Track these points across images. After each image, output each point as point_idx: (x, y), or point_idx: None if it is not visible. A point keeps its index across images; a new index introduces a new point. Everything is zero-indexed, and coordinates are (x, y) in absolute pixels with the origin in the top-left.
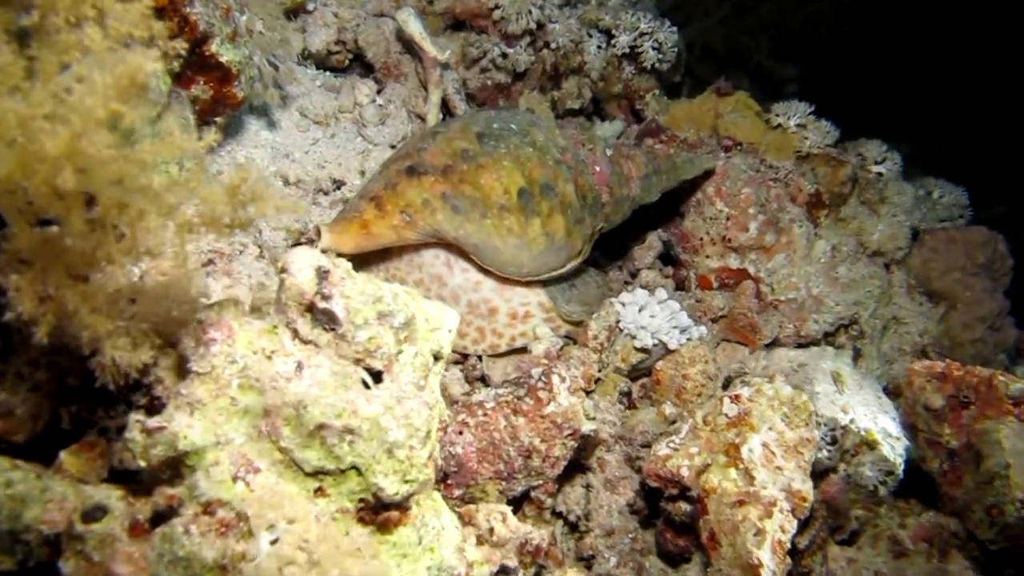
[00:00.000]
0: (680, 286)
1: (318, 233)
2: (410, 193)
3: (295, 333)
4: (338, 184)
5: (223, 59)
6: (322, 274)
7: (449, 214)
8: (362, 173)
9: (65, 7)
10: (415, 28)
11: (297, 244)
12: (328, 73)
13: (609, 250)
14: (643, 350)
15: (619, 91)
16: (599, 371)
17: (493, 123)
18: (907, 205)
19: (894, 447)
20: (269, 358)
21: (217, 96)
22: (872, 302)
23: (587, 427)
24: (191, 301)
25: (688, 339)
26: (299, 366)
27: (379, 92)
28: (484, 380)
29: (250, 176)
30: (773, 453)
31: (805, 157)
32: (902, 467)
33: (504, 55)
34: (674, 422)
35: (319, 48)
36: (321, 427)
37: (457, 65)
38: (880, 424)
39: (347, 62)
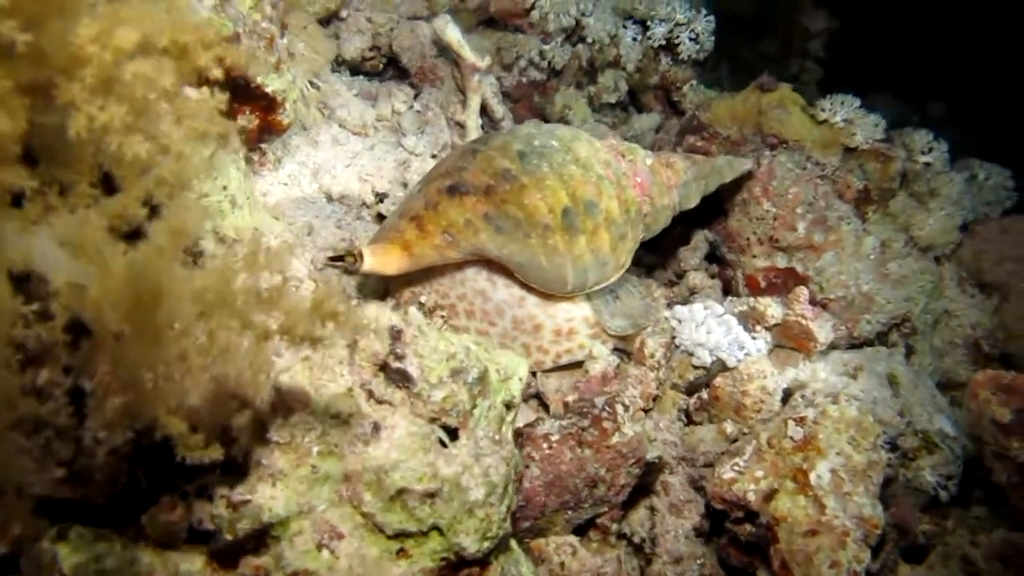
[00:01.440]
0: (727, 286)
1: (360, 256)
2: (452, 213)
3: (370, 394)
4: (381, 197)
5: (268, 89)
6: (395, 334)
7: (492, 234)
8: (404, 185)
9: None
10: (453, 35)
11: (338, 260)
12: (363, 77)
13: (653, 248)
14: (701, 367)
15: (655, 82)
16: (656, 388)
17: (534, 140)
18: (956, 196)
19: (952, 449)
20: (346, 422)
21: (263, 124)
22: (923, 297)
23: (652, 454)
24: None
25: (746, 354)
26: (376, 427)
27: (415, 97)
28: (539, 397)
29: (332, 295)
30: (842, 479)
31: (853, 152)
32: (960, 470)
33: (541, 54)
34: (735, 440)
35: (353, 55)
36: (402, 491)
37: (492, 65)
38: (937, 425)
39: (381, 67)
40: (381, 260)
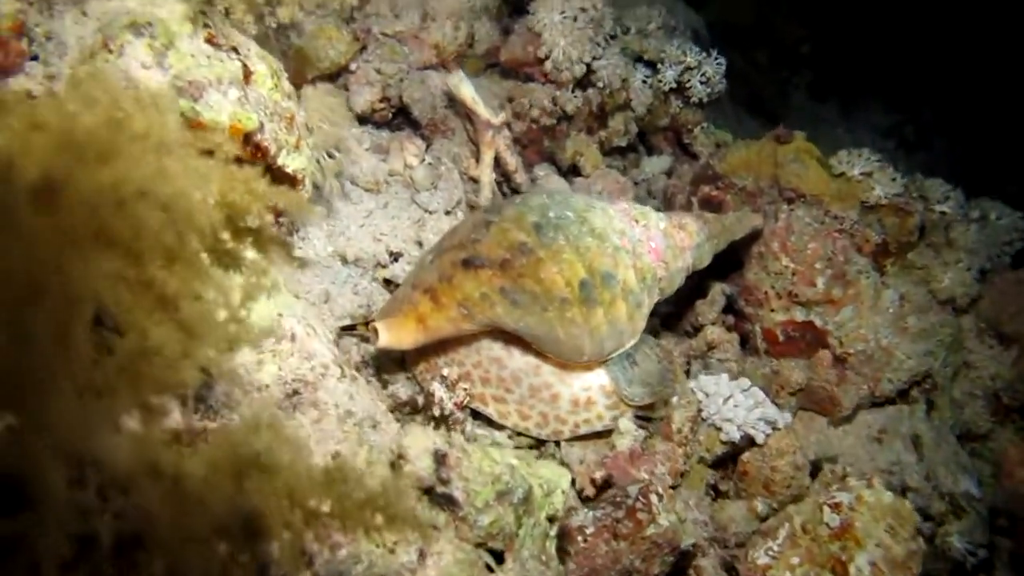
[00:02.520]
0: (744, 339)
1: (375, 332)
2: (467, 287)
3: (415, 519)
4: (395, 256)
5: (289, 170)
6: (439, 458)
7: (509, 308)
8: (419, 244)
9: None
10: (467, 93)
11: (350, 328)
12: (371, 127)
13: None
14: (729, 442)
15: (665, 124)
16: (684, 464)
17: (549, 211)
18: (972, 245)
19: (979, 512)
20: (392, 551)
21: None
22: (943, 351)
23: (687, 542)
24: None
25: (775, 428)
26: (422, 554)
27: (427, 149)
28: (563, 467)
29: (389, 494)
30: (882, 571)
31: (871, 207)
32: (987, 536)
33: (554, 100)
34: (765, 518)
35: (363, 108)
36: None
37: (506, 122)
38: (962, 487)
39: (390, 116)
40: (396, 335)
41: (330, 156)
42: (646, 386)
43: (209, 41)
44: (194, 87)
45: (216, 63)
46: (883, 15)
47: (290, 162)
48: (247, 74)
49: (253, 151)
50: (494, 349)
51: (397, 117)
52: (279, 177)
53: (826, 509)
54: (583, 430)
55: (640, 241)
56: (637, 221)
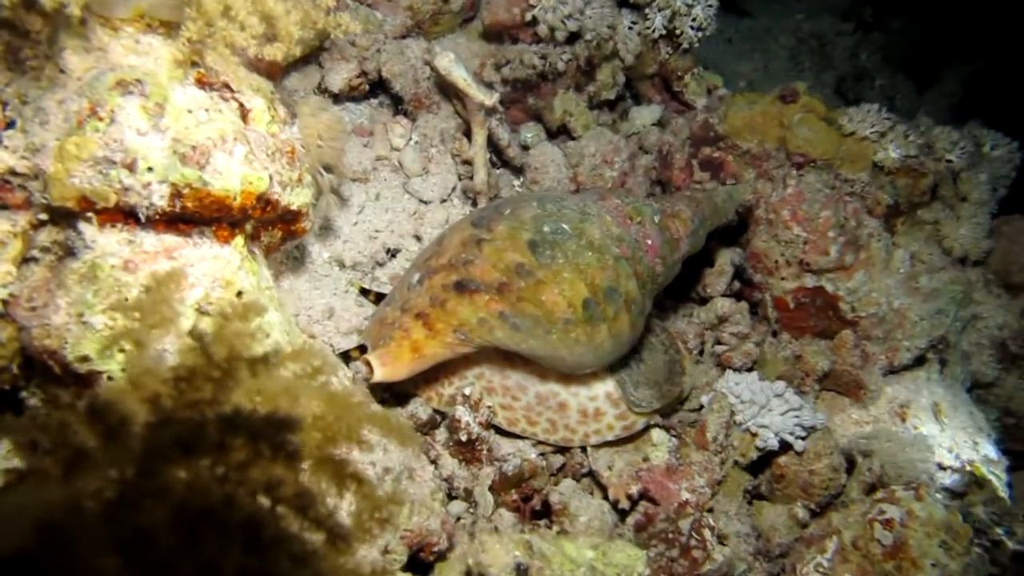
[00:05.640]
0: (753, 306)
1: (369, 366)
2: (463, 312)
3: None
4: (393, 253)
5: (294, 207)
6: (522, 572)
7: (510, 332)
8: (417, 238)
9: None
10: (459, 75)
11: (346, 356)
12: (350, 105)
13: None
14: (765, 449)
15: (653, 71)
16: (721, 472)
17: (543, 225)
18: (984, 197)
19: (999, 477)
20: None
21: (286, 234)
22: (954, 307)
23: (739, 569)
24: None
25: (812, 430)
26: None
27: (413, 127)
28: (592, 475)
29: None
30: None
31: (884, 168)
32: (1010, 500)
33: (544, 57)
34: (806, 525)
35: (340, 87)
36: None
37: (482, 69)
38: (982, 452)
39: (367, 88)
40: (392, 368)
41: (328, 170)
42: (653, 386)
43: (200, 83)
44: (199, 153)
45: (215, 114)
46: None
47: (295, 199)
48: (244, 114)
49: (264, 206)
50: (495, 360)
51: (376, 90)
52: (282, 215)
53: (877, 525)
54: (593, 440)
55: (637, 242)
56: (631, 219)
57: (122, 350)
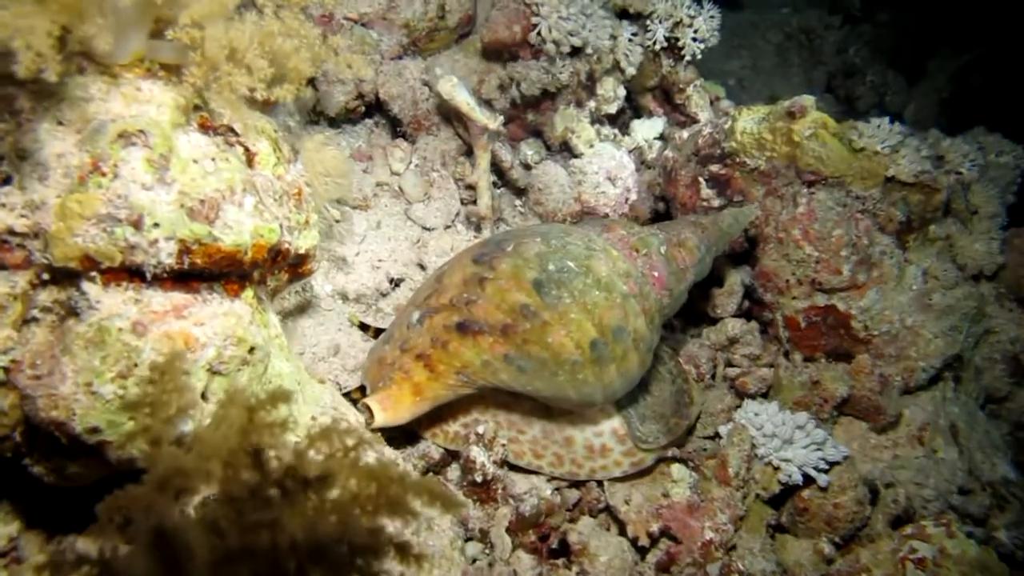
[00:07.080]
0: (764, 327)
1: (369, 410)
2: (466, 354)
3: None
4: (396, 283)
5: (302, 250)
6: None
7: (515, 374)
8: (421, 267)
9: None
10: (463, 99)
11: (348, 396)
12: (348, 127)
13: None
14: (788, 483)
15: (654, 84)
16: (743, 507)
17: (548, 263)
18: (995, 210)
19: (1019, 497)
20: None
21: (293, 276)
22: (967, 323)
23: None
24: None
25: (835, 464)
26: None
27: (412, 150)
28: (609, 510)
29: None
30: None
31: (895, 182)
32: None
33: (548, 72)
34: (832, 560)
35: (337, 111)
36: None
37: (480, 85)
38: (1000, 472)
39: (363, 110)
40: (393, 413)
41: (334, 204)
42: (660, 419)
43: (203, 127)
44: (208, 207)
45: (222, 163)
46: None
47: (303, 243)
48: (250, 158)
49: (274, 257)
50: (500, 395)
51: (371, 110)
52: (290, 258)
53: (909, 565)
54: (600, 476)
55: (644, 276)
56: (637, 251)
57: (132, 418)
